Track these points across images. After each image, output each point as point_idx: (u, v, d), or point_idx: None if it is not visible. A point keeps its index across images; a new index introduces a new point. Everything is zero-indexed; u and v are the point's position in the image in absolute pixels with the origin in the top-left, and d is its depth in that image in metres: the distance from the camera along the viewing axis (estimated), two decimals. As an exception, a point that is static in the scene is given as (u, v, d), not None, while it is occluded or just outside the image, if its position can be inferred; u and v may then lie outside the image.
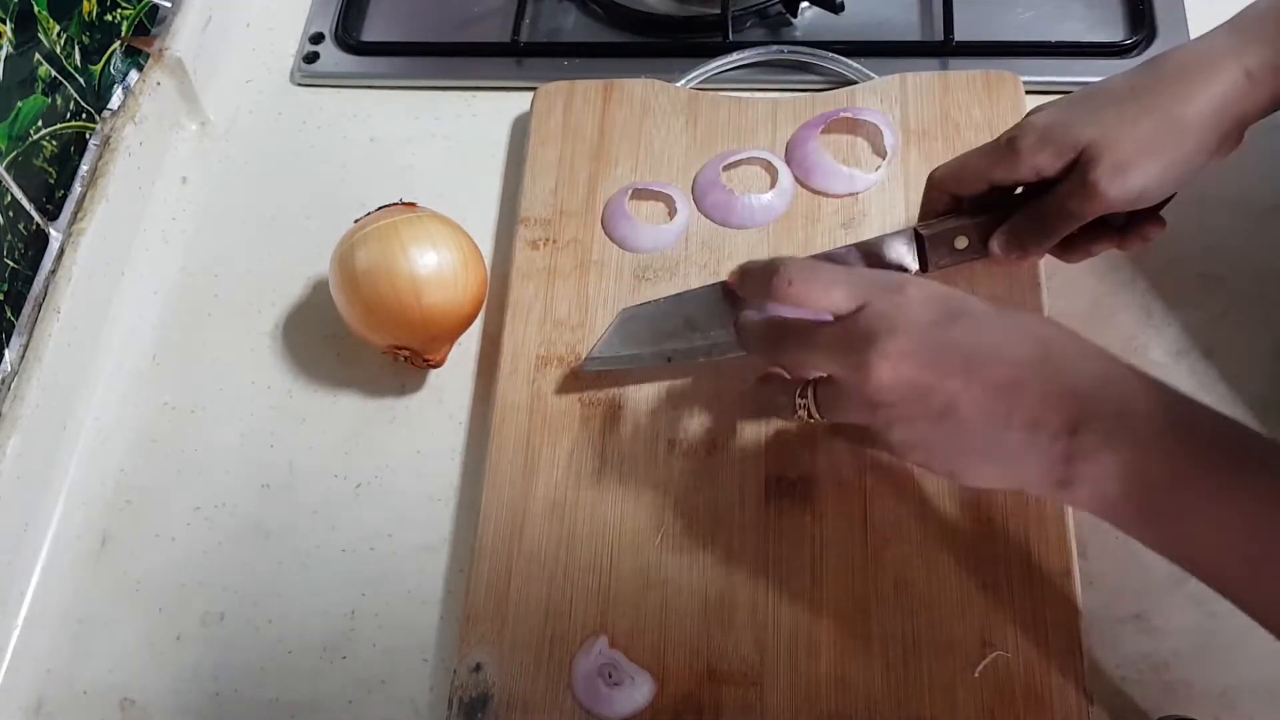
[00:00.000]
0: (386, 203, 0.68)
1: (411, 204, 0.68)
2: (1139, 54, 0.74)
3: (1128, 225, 0.60)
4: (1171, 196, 0.59)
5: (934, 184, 0.62)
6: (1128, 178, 0.55)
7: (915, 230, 0.61)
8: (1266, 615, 0.45)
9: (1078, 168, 0.56)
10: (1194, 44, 0.57)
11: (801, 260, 0.54)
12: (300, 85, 0.82)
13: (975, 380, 0.47)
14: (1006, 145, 0.58)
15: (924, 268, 0.61)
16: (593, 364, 0.65)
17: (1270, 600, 0.45)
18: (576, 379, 0.65)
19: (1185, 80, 0.55)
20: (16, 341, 0.66)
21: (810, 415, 0.53)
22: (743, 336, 0.57)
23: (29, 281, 0.68)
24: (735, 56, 0.77)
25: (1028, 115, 0.59)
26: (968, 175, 0.60)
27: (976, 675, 0.55)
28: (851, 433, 0.54)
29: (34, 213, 0.68)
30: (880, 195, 0.69)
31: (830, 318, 0.52)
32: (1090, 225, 0.58)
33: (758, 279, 0.54)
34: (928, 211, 0.62)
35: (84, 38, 0.73)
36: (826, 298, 0.51)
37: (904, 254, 0.61)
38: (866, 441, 0.52)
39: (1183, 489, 0.45)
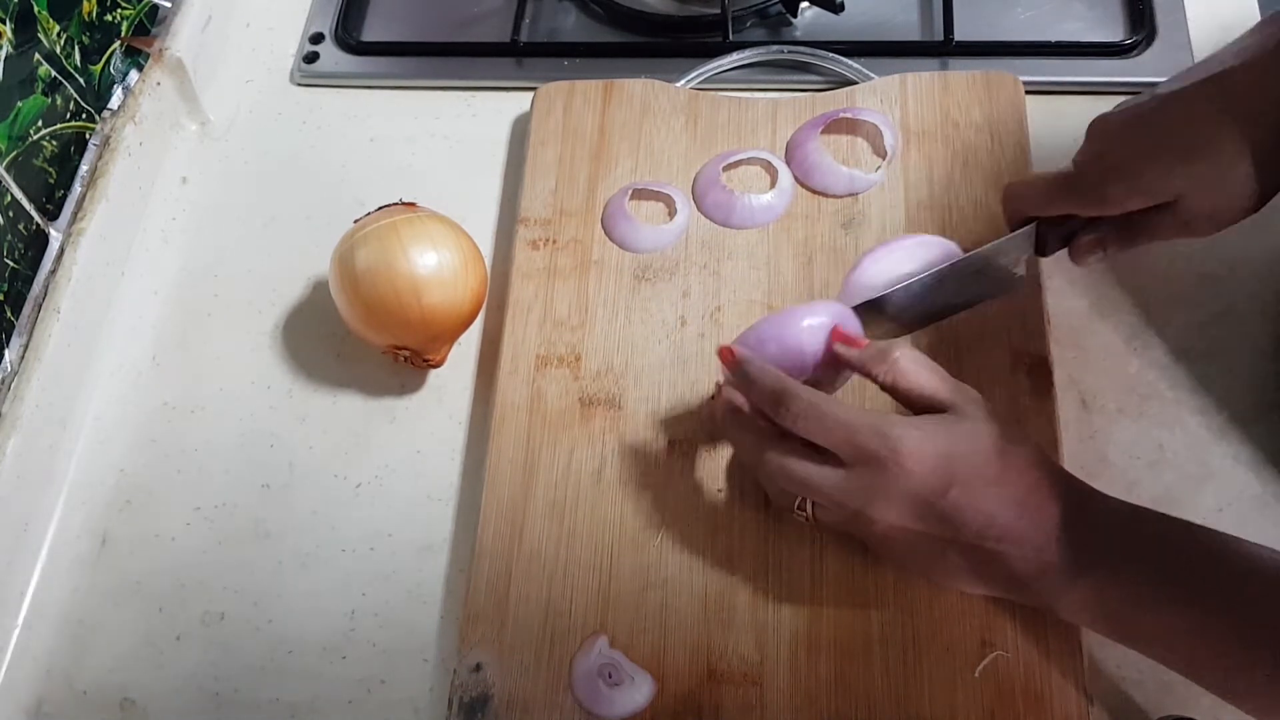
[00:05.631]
0: (386, 203, 0.68)
1: (411, 204, 0.68)
2: (1139, 54, 0.74)
3: None
4: None
5: (1013, 206, 0.62)
6: (1220, 221, 0.57)
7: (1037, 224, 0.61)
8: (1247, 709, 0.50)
9: (1177, 208, 0.57)
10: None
11: (808, 400, 0.53)
12: (300, 85, 0.82)
13: (960, 539, 0.52)
14: (1093, 189, 0.58)
15: (1041, 253, 0.62)
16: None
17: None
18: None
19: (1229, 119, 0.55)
20: (16, 341, 0.66)
21: (807, 520, 0.56)
22: (731, 434, 0.59)
23: (29, 281, 0.68)
24: (735, 56, 0.77)
25: (1097, 145, 0.58)
26: (1052, 205, 0.60)
27: (976, 675, 0.55)
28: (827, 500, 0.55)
29: (34, 213, 0.68)
30: (880, 195, 0.69)
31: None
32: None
33: (764, 395, 0.55)
34: (1007, 226, 0.63)
35: (84, 38, 0.73)
36: (825, 439, 0.53)
37: (1025, 246, 0.62)
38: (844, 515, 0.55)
39: (1141, 611, 0.50)
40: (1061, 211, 0.60)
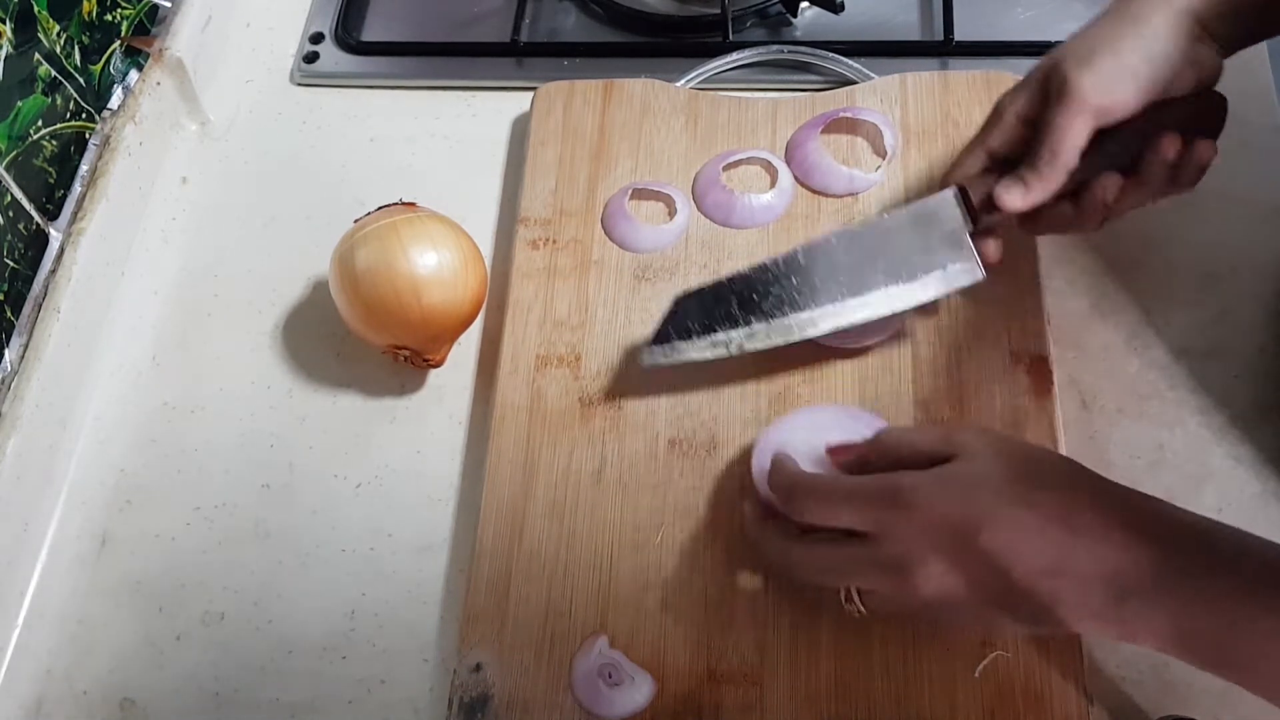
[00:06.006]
0: (386, 203, 0.68)
1: (411, 204, 0.68)
2: (1139, 54, 0.74)
3: (1179, 163, 0.58)
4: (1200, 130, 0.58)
5: (976, 140, 0.62)
6: (1096, 69, 0.56)
7: (959, 187, 0.61)
8: (1263, 690, 0.46)
9: (1051, 78, 0.57)
10: None
11: (810, 483, 0.54)
12: (300, 85, 0.82)
13: (1013, 584, 0.48)
14: (990, 114, 0.60)
15: (974, 221, 0.60)
16: (651, 355, 0.62)
17: (1259, 675, 0.46)
18: (625, 373, 0.65)
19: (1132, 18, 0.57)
20: (16, 341, 0.66)
21: (859, 612, 0.53)
22: (759, 543, 0.57)
23: (29, 281, 0.68)
24: (735, 56, 0.77)
25: (1060, 67, 0.58)
26: (968, 159, 0.61)
27: (976, 675, 0.55)
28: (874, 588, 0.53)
29: (34, 213, 0.68)
30: (880, 195, 0.69)
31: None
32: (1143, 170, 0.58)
33: (778, 492, 0.55)
34: (965, 166, 0.62)
35: (84, 38, 0.73)
36: (841, 516, 0.52)
37: (954, 213, 0.60)
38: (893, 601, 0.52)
39: (1236, 631, 0.46)
40: (976, 157, 0.61)
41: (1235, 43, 0.58)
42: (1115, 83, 0.56)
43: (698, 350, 0.62)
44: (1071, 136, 0.57)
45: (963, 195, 0.60)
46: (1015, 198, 0.58)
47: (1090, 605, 0.47)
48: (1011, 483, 0.49)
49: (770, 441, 0.59)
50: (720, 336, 0.61)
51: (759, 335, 0.61)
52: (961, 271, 0.60)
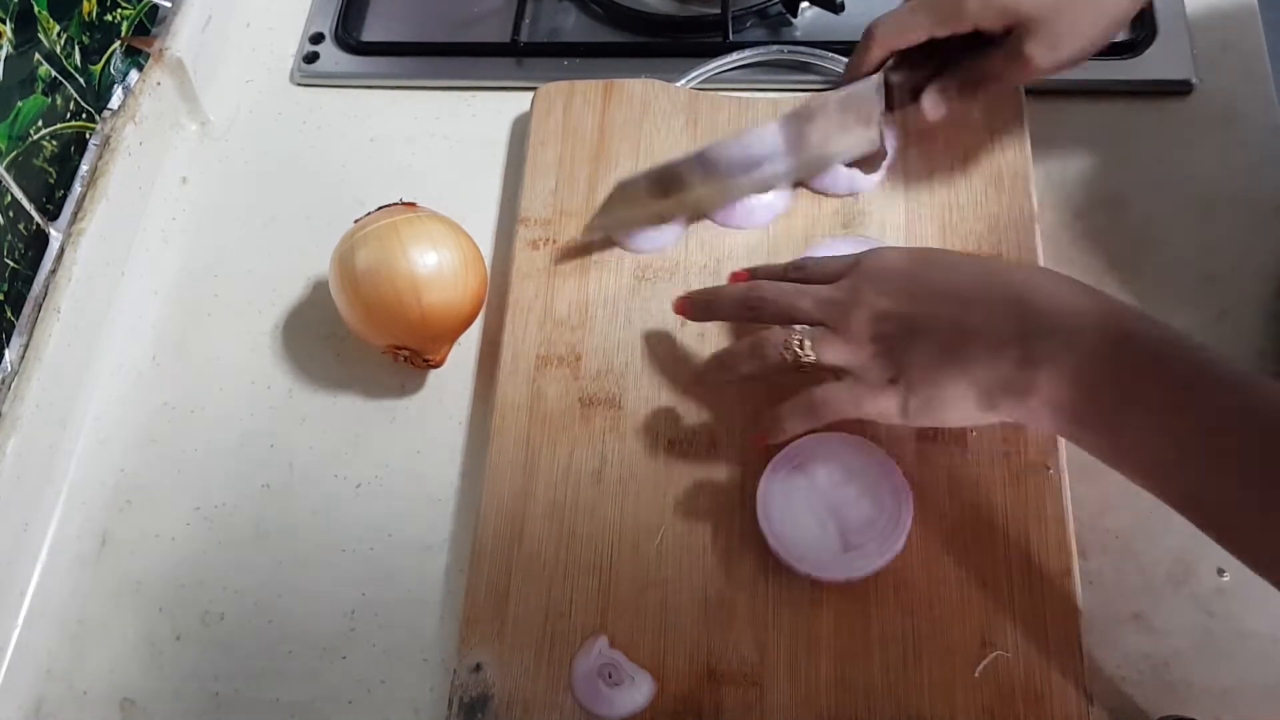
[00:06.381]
0: (386, 203, 0.68)
1: (411, 204, 0.68)
2: (1138, 54, 0.74)
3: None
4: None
5: (873, 39, 0.65)
6: (1059, 53, 0.61)
7: (885, 75, 0.66)
8: (1207, 521, 0.48)
9: (1014, 37, 0.61)
10: None
11: (769, 282, 0.60)
12: (300, 85, 0.82)
13: (944, 303, 0.53)
14: (952, 5, 0.62)
15: (890, 108, 0.67)
16: (594, 230, 0.68)
17: (1209, 506, 0.48)
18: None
19: None
20: (16, 341, 0.66)
21: (798, 353, 0.56)
22: (720, 307, 0.62)
23: (29, 281, 0.68)
24: (735, 56, 0.77)
25: None
26: (911, 29, 0.64)
27: (976, 675, 0.55)
28: (836, 387, 0.56)
29: (34, 213, 0.68)
30: (880, 195, 0.69)
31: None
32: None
33: (728, 303, 0.61)
34: (863, 65, 0.66)
35: (84, 38, 0.73)
36: (812, 275, 0.59)
37: (874, 99, 0.67)
38: (852, 390, 0.55)
39: (1129, 400, 0.49)
40: (918, 37, 0.64)
41: None
42: (1067, 64, 0.62)
43: (634, 222, 0.68)
44: (1007, 86, 0.65)
45: (885, 84, 0.67)
46: (936, 113, 0.66)
47: (1001, 331, 0.52)
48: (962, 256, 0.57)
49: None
50: (655, 206, 0.68)
51: (689, 203, 0.68)
52: (865, 141, 0.68)
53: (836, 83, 0.70)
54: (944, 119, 0.66)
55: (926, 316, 0.53)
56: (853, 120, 0.67)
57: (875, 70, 0.66)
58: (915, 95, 0.66)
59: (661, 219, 0.68)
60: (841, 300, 0.56)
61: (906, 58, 0.66)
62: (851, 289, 0.56)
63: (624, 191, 0.68)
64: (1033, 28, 0.61)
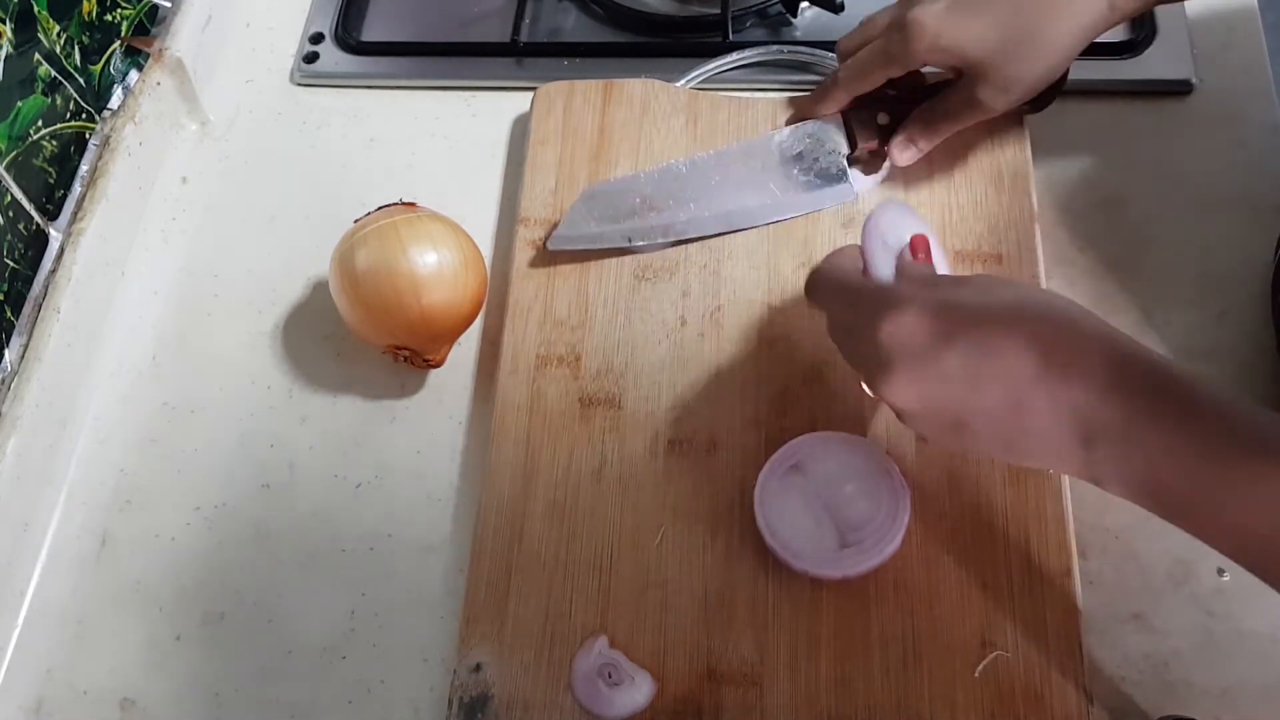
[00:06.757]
0: (386, 203, 0.68)
1: (411, 204, 0.68)
2: (1139, 54, 0.74)
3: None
4: None
5: (838, 84, 0.69)
6: (1010, 95, 0.64)
7: (843, 113, 0.70)
8: (1220, 544, 0.45)
9: (965, 80, 0.65)
10: None
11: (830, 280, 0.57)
12: (300, 85, 0.82)
13: (972, 411, 0.49)
14: (901, 50, 0.64)
15: (853, 146, 0.69)
16: (558, 242, 0.68)
17: (1218, 528, 0.45)
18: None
19: (1056, 6, 0.61)
20: (16, 341, 0.66)
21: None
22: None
23: (29, 281, 0.68)
24: (735, 56, 0.77)
25: (908, 10, 0.63)
26: (871, 73, 0.67)
27: (976, 675, 0.55)
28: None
29: (34, 213, 0.68)
30: (880, 195, 0.69)
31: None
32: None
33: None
34: (827, 108, 0.70)
35: (84, 38, 0.73)
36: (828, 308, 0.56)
37: (837, 138, 0.69)
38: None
39: (1196, 484, 0.45)
40: (877, 81, 0.67)
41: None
42: (1016, 104, 0.65)
43: (597, 239, 0.68)
44: (964, 125, 0.67)
45: (846, 123, 0.69)
46: (905, 158, 0.68)
47: (1055, 443, 0.47)
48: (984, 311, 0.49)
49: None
50: (619, 227, 0.68)
51: (653, 231, 0.68)
52: (836, 193, 0.69)
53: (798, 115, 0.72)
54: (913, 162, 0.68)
55: (953, 339, 0.49)
56: (819, 159, 0.69)
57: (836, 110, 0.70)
58: (881, 132, 0.69)
59: (628, 239, 0.68)
60: (869, 372, 0.52)
61: (863, 98, 0.69)
62: (876, 362, 0.51)
63: (590, 204, 0.69)
64: (981, 72, 0.63)
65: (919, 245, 0.55)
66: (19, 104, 0.67)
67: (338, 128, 0.80)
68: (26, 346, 0.66)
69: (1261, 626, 0.58)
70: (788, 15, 0.80)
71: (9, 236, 0.66)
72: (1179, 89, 0.73)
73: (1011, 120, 0.70)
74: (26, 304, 0.67)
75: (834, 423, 0.62)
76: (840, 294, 0.55)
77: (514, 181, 0.75)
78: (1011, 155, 0.69)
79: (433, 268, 0.64)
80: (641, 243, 0.68)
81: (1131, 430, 0.46)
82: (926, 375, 0.49)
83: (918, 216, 0.57)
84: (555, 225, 0.69)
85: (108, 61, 0.75)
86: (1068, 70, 0.65)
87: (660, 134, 0.73)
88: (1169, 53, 0.74)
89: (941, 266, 0.56)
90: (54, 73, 0.70)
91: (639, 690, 0.56)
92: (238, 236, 0.76)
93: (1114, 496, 0.53)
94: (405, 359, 0.66)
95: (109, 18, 0.75)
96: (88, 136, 0.73)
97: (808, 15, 0.80)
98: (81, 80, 0.72)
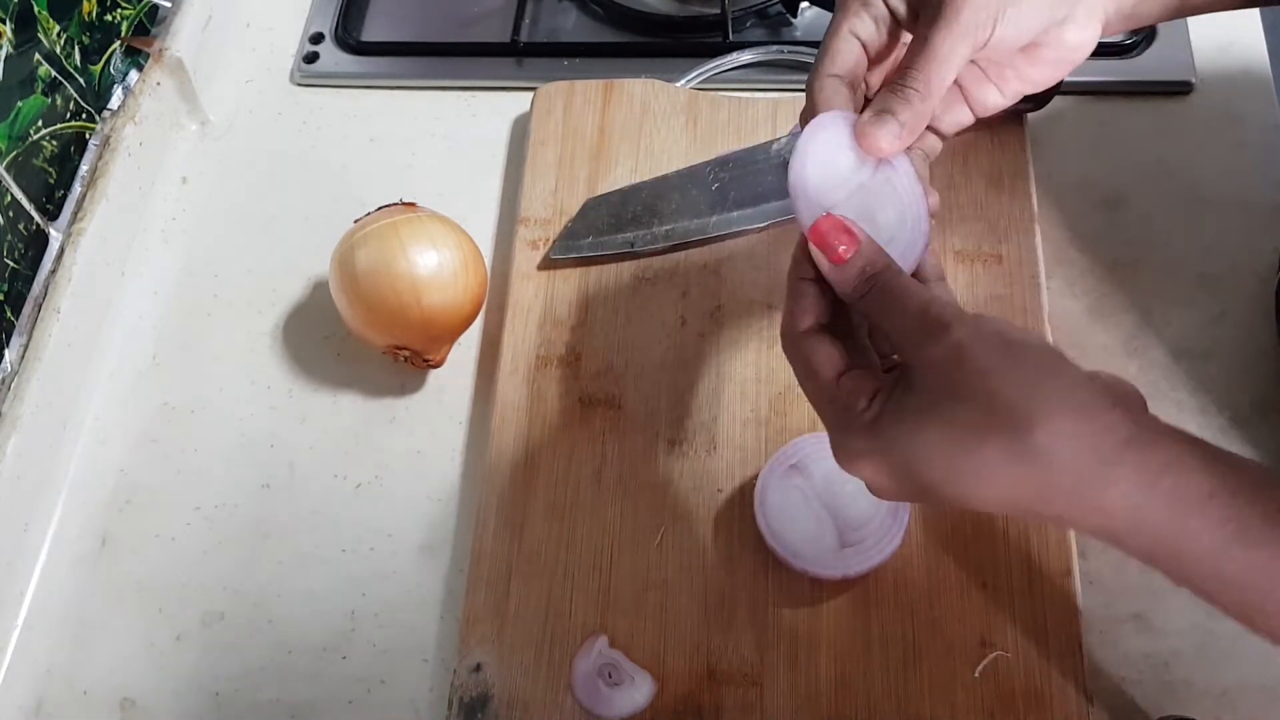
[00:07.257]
0: (386, 203, 0.68)
1: (411, 204, 0.68)
2: (1138, 54, 0.74)
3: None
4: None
5: (823, 92, 0.55)
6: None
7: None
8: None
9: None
10: None
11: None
12: (300, 85, 0.82)
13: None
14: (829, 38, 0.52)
15: None
16: (560, 250, 0.68)
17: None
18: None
19: None
20: (16, 341, 0.66)
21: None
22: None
23: (29, 281, 0.68)
24: (735, 56, 0.77)
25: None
26: (844, 60, 0.54)
27: (976, 675, 0.55)
28: None
29: (34, 213, 0.68)
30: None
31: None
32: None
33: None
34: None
35: (84, 38, 0.73)
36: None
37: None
38: None
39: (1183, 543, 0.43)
40: (847, 54, 0.55)
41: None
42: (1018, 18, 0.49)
43: (600, 247, 0.68)
44: (950, 67, 0.49)
45: None
46: (890, 139, 0.50)
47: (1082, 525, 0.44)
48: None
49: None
50: (619, 237, 0.68)
51: (656, 238, 0.68)
52: None
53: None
54: (895, 145, 0.54)
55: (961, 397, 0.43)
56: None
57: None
58: None
59: (630, 245, 0.68)
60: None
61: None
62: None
63: (589, 214, 0.68)
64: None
65: (828, 230, 0.47)
66: (19, 104, 0.67)
67: (338, 128, 0.80)
68: (26, 346, 0.66)
69: (1261, 626, 0.57)
70: (788, 15, 0.80)
71: (9, 236, 0.66)
72: (1179, 89, 0.73)
73: (1011, 120, 0.70)
74: (26, 304, 0.67)
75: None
76: (801, 376, 0.49)
77: (514, 182, 0.75)
78: (1011, 155, 0.69)
79: (433, 268, 0.64)
80: (644, 248, 0.68)
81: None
82: (902, 493, 0.45)
83: (857, 152, 0.51)
84: (558, 234, 0.69)
85: (108, 61, 0.75)
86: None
87: (660, 134, 0.73)
88: (1169, 53, 0.74)
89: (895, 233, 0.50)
90: (54, 73, 0.70)
91: (639, 690, 0.56)
92: (238, 236, 0.76)
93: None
94: (405, 359, 0.66)
95: (109, 18, 0.75)
96: (88, 136, 0.73)
97: (808, 15, 0.80)
98: (81, 80, 0.72)
